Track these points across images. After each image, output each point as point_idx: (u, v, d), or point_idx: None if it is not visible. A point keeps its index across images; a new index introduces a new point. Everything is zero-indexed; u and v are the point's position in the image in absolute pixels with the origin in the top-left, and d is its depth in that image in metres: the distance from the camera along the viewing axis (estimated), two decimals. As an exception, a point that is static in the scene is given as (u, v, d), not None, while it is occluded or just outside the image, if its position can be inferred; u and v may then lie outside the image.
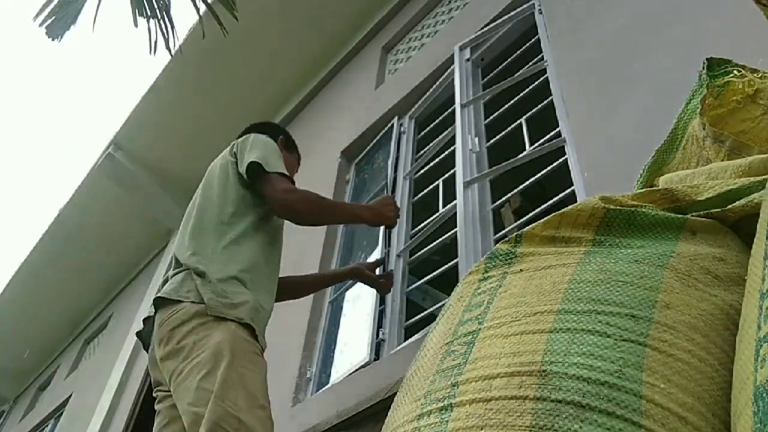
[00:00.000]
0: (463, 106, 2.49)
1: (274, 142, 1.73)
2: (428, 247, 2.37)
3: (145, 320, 1.53)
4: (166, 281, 1.52)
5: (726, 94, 0.99)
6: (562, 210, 0.83)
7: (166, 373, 1.37)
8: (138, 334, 1.58)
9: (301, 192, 1.61)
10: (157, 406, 1.46)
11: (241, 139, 1.74)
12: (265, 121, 2.07)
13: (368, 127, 3.32)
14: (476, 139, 2.37)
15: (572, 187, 1.78)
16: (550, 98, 2.13)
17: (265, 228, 1.62)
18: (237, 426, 1.19)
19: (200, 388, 1.24)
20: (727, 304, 0.67)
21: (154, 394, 1.49)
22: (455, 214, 2.17)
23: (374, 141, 3.26)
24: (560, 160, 1.93)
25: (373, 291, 2.26)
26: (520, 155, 2.06)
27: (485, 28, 2.75)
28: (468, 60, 2.77)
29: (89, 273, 6.28)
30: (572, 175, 1.80)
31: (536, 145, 2.07)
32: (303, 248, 2.94)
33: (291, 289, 1.86)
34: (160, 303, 1.43)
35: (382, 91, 3.49)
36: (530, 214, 1.98)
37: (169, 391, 1.37)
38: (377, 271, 1.98)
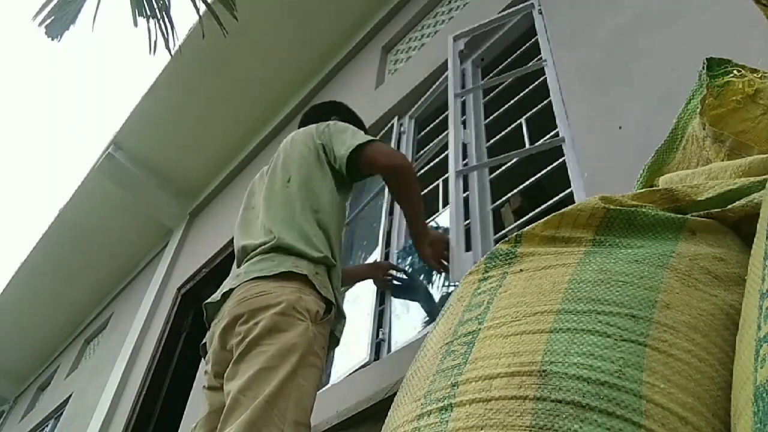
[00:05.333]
0: (456, 95, 2.47)
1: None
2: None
3: (224, 294, 1.46)
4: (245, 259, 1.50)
5: (726, 94, 0.99)
6: (562, 210, 0.83)
7: (228, 347, 1.33)
8: (205, 305, 1.53)
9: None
10: (205, 392, 1.43)
11: (323, 126, 1.78)
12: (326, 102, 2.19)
13: (368, 127, 3.30)
14: (468, 131, 2.37)
15: (572, 187, 1.78)
16: (550, 98, 2.13)
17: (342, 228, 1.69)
18: None
19: (255, 378, 1.19)
20: (727, 304, 0.67)
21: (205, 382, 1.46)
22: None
23: (374, 141, 3.26)
24: (560, 160, 1.92)
25: (374, 290, 2.26)
26: (518, 151, 2.06)
27: (481, 23, 2.75)
28: (462, 51, 2.76)
29: (89, 273, 6.28)
30: (572, 175, 1.80)
31: (536, 144, 2.07)
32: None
33: None
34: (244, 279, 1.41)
35: (382, 91, 3.49)
36: (530, 214, 1.98)
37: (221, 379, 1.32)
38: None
